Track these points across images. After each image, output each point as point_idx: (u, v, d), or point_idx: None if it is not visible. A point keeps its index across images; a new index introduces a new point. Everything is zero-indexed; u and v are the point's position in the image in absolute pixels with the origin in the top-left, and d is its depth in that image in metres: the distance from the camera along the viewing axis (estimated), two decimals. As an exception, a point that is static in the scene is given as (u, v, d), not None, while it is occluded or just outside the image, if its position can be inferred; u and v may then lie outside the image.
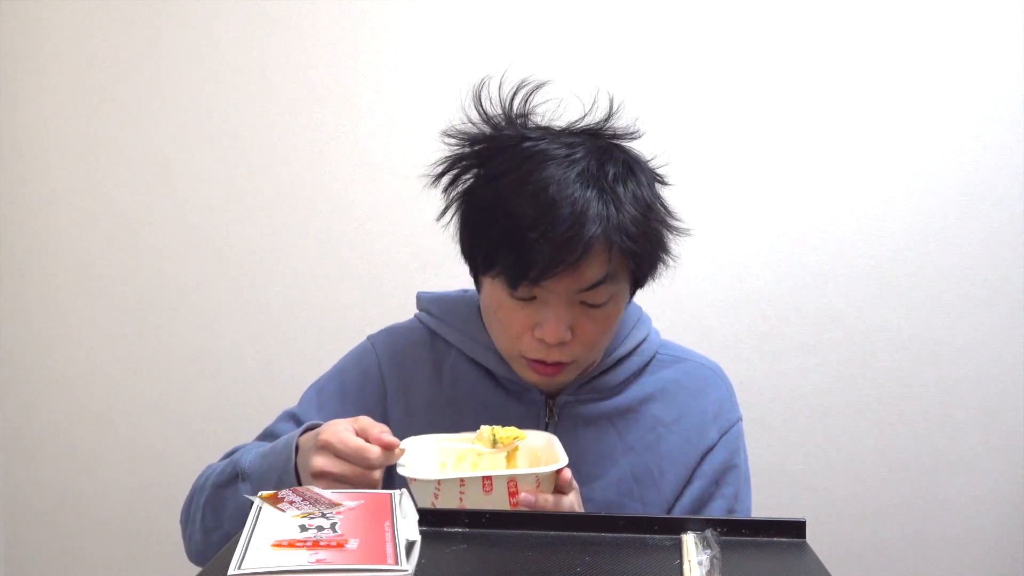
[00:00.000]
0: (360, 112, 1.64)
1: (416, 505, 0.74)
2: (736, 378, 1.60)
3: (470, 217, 0.93)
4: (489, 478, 0.78)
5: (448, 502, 0.78)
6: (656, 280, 0.98)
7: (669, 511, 1.01)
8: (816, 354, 1.61)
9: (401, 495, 0.73)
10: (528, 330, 0.91)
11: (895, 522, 1.62)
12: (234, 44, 1.65)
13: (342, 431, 0.81)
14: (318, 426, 0.87)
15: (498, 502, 0.79)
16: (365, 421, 0.83)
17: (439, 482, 0.79)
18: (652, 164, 0.98)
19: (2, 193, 1.73)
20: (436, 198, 1.01)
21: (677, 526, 0.75)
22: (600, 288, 0.89)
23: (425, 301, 1.08)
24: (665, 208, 0.96)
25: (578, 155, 0.89)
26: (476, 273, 0.97)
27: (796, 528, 0.75)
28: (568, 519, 0.78)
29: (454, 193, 0.95)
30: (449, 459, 0.87)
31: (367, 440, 0.80)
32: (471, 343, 1.01)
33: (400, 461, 0.82)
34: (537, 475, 0.80)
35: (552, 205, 0.85)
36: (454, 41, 1.62)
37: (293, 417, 1.02)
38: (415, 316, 1.08)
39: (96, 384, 1.73)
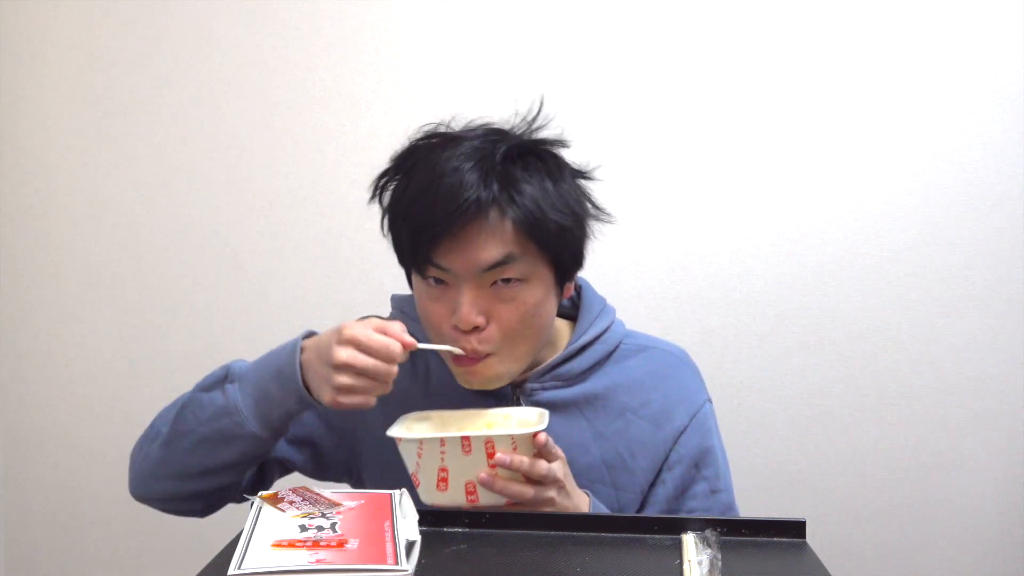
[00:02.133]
0: (360, 112, 1.64)
1: (415, 506, 0.74)
2: (736, 378, 1.62)
3: (389, 216, 0.96)
4: (468, 439, 0.83)
5: (430, 462, 0.84)
6: (581, 268, 0.99)
7: (644, 495, 1.02)
8: (816, 354, 1.61)
9: (401, 495, 0.73)
10: (446, 319, 0.93)
11: (895, 522, 1.62)
12: (234, 44, 1.65)
13: (366, 327, 0.86)
14: (314, 334, 0.93)
15: (477, 463, 0.84)
16: (378, 321, 0.88)
17: (421, 442, 0.84)
18: (582, 164, 0.99)
19: (3, 193, 1.73)
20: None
21: (677, 526, 0.75)
22: (505, 268, 0.90)
23: (398, 300, 1.10)
24: (581, 194, 0.97)
25: (476, 134, 0.93)
26: (406, 270, 1.00)
27: (796, 528, 0.75)
28: (568, 519, 0.78)
29: (383, 204, 0.98)
30: (450, 429, 0.93)
31: (387, 335, 0.86)
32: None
33: (393, 427, 0.88)
34: (513, 437, 0.84)
35: (438, 176, 0.89)
36: (454, 41, 1.62)
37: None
38: (390, 316, 1.11)
39: (96, 384, 1.73)
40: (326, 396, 0.86)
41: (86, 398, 1.73)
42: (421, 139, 0.96)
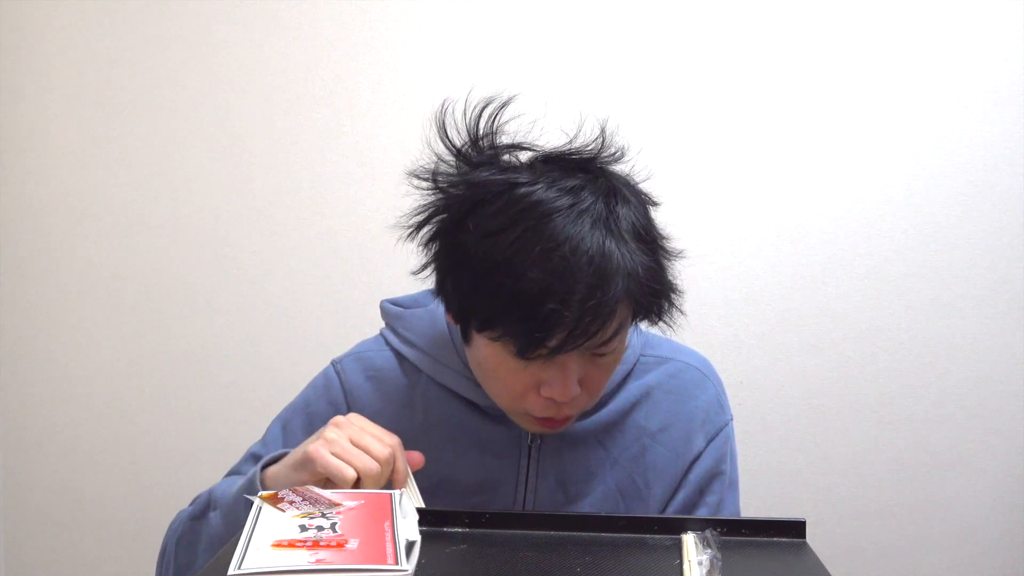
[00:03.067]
0: (360, 112, 1.64)
1: (415, 506, 0.74)
2: (736, 378, 1.62)
3: (463, 278, 0.81)
4: None
5: None
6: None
7: None
8: (816, 354, 1.61)
9: (401, 495, 0.73)
10: (533, 388, 0.83)
11: (895, 522, 1.62)
12: (234, 44, 1.65)
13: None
14: (284, 455, 0.85)
15: None
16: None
17: None
18: (641, 184, 0.89)
19: (3, 193, 1.73)
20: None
21: (677, 526, 0.75)
22: (613, 341, 0.81)
23: (390, 317, 1.01)
24: (661, 235, 0.86)
25: (585, 203, 0.78)
26: (466, 327, 0.85)
27: (796, 528, 0.75)
28: (568, 519, 0.78)
29: (436, 248, 0.84)
30: None
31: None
32: (441, 369, 0.95)
33: None
34: None
35: (568, 270, 0.75)
36: (454, 41, 1.62)
37: (259, 459, 0.96)
38: (381, 334, 1.02)
39: (96, 384, 1.73)
40: (311, 446, 0.80)
41: (86, 398, 1.73)
42: (488, 177, 0.81)
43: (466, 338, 0.87)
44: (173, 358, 1.71)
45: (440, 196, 0.84)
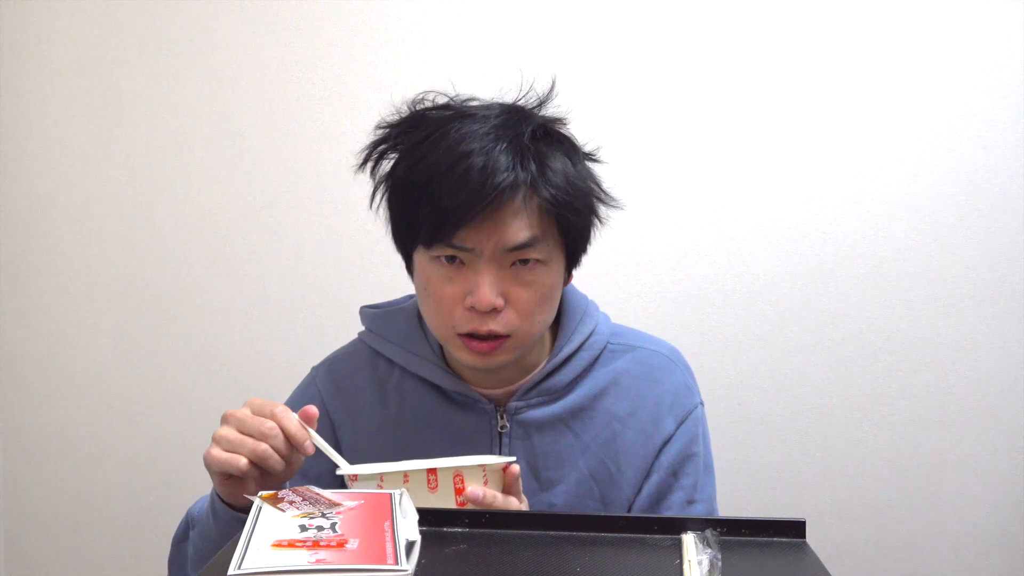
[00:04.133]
0: (360, 112, 1.64)
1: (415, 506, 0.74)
2: (736, 378, 1.62)
3: (394, 190, 0.91)
4: (434, 471, 0.78)
5: None
6: (587, 255, 0.95)
7: (630, 508, 0.98)
8: (816, 354, 1.61)
9: (401, 495, 0.73)
10: (459, 301, 0.88)
11: (895, 522, 1.62)
12: (234, 44, 1.65)
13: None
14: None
15: (443, 500, 0.78)
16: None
17: (382, 476, 0.78)
18: (587, 147, 0.97)
19: (3, 193, 1.73)
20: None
21: (677, 526, 0.75)
22: (528, 249, 0.87)
23: (367, 318, 1.06)
24: (594, 178, 0.94)
25: (494, 112, 0.89)
26: (407, 254, 0.95)
27: (796, 528, 0.75)
28: (568, 519, 0.78)
29: (379, 175, 0.93)
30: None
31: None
32: (413, 358, 0.99)
33: (346, 467, 0.82)
34: (485, 467, 0.79)
35: (465, 155, 0.85)
36: (454, 41, 1.62)
37: None
38: (359, 335, 1.07)
39: (96, 384, 1.73)
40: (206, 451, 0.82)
41: (86, 398, 1.73)
42: (429, 109, 0.92)
43: (411, 271, 0.95)
44: (173, 358, 1.71)
45: (385, 131, 0.93)
